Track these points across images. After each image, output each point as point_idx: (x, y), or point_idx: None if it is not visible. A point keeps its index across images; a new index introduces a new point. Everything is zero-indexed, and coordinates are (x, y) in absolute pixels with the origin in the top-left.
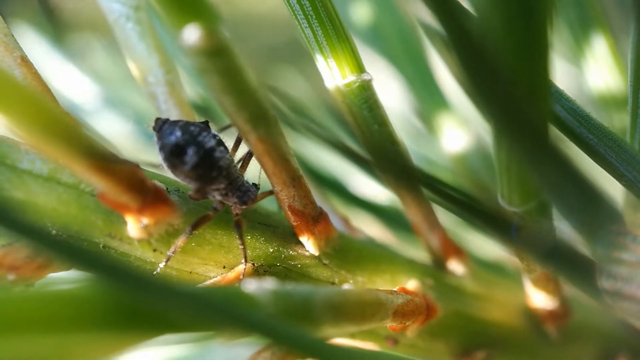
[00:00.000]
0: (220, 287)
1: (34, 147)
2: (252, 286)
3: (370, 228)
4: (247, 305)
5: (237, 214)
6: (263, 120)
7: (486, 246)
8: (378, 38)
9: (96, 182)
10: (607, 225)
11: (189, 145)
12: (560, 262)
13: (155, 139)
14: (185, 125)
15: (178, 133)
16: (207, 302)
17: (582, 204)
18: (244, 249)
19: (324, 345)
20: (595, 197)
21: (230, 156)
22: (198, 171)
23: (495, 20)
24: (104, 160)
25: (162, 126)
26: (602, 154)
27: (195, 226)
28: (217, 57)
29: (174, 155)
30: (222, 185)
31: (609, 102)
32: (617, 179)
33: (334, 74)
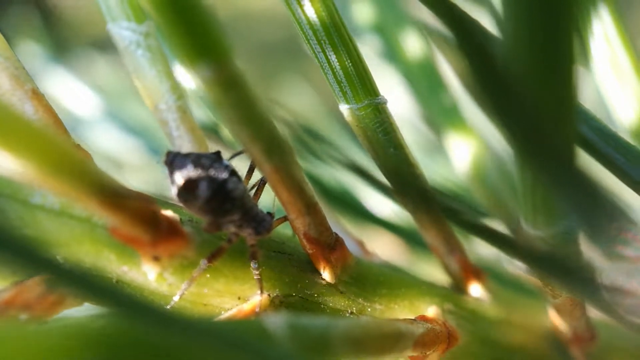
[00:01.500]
0: (236, 321)
1: (44, 183)
2: (267, 319)
3: (386, 245)
4: (264, 340)
5: (252, 245)
6: (278, 150)
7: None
8: (390, 55)
9: (108, 217)
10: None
11: (201, 179)
12: (586, 288)
13: (166, 172)
14: (196, 159)
15: (189, 167)
16: (223, 336)
17: (611, 227)
18: (260, 279)
19: None
20: (624, 220)
21: (244, 186)
22: (211, 205)
23: (518, 40)
24: (115, 194)
25: (173, 160)
26: (629, 173)
27: (210, 259)
28: (230, 89)
29: (186, 190)
30: (237, 217)
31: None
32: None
33: (348, 98)
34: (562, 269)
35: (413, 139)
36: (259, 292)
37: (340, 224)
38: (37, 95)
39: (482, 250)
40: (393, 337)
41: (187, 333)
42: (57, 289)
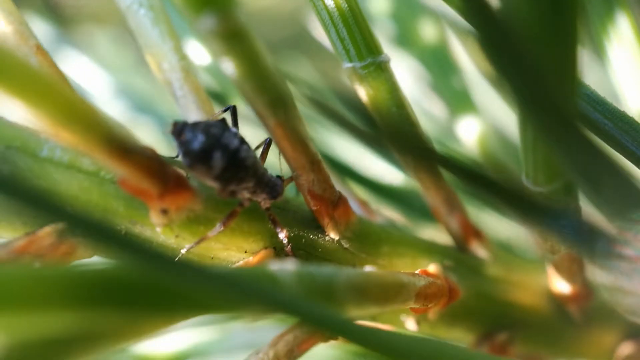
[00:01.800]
0: (244, 268)
1: (53, 135)
2: (275, 267)
3: (386, 214)
4: (271, 285)
5: (267, 209)
6: (282, 104)
7: (505, 229)
8: (394, 23)
9: (117, 169)
10: (634, 207)
11: (215, 149)
12: (585, 241)
13: (175, 144)
14: (206, 128)
15: (201, 138)
16: (232, 281)
17: (609, 184)
18: (286, 237)
19: (350, 325)
20: (621, 177)
21: (254, 153)
22: (226, 174)
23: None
24: (124, 146)
25: (181, 130)
26: (626, 145)
27: (225, 222)
28: (235, 40)
29: (200, 161)
30: (251, 184)
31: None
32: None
33: (350, 55)
34: (561, 221)
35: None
36: (288, 247)
37: (345, 185)
38: (42, 51)
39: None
40: (396, 287)
41: (198, 279)
42: (68, 239)
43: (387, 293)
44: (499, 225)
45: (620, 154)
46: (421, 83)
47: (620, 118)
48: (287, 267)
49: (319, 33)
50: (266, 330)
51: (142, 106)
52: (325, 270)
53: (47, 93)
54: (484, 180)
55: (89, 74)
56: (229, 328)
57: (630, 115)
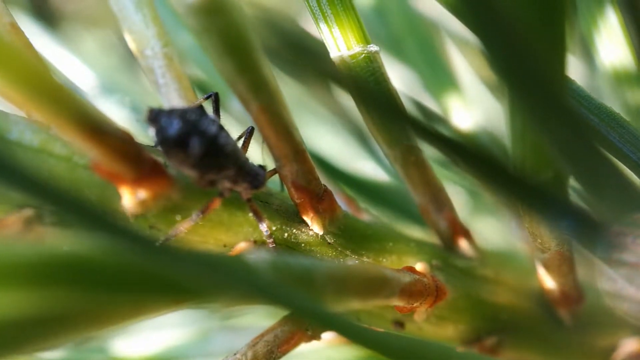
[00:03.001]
0: (219, 255)
1: (26, 111)
2: (251, 256)
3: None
4: (246, 274)
5: (249, 199)
6: (265, 87)
7: (494, 234)
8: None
9: (90, 150)
10: (624, 197)
11: (191, 135)
12: (576, 231)
13: (151, 131)
14: (183, 114)
15: (177, 124)
16: (208, 266)
17: (599, 174)
18: (268, 229)
19: (333, 316)
20: (610, 166)
21: (234, 140)
22: (204, 161)
23: None
24: (97, 127)
25: (157, 117)
26: (604, 135)
27: (204, 212)
28: (217, 14)
29: (176, 148)
30: (231, 172)
31: (623, 79)
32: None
33: (339, 44)
34: (550, 206)
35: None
36: (270, 241)
37: (330, 181)
38: (16, 30)
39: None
40: (378, 281)
41: (176, 262)
42: (36, 227)
43: (369, 287)
44: (488, 228)
45: (607, 150)
46: (412, 83)
47: (607, 114)
48: (263, 255)
49: (315, 31)
50: (246, 332)
51: (129, 105)
52: (304, 260)
53: (19, 69)
54: (477, 160)
55: (77, 73)
56: (208, 330)
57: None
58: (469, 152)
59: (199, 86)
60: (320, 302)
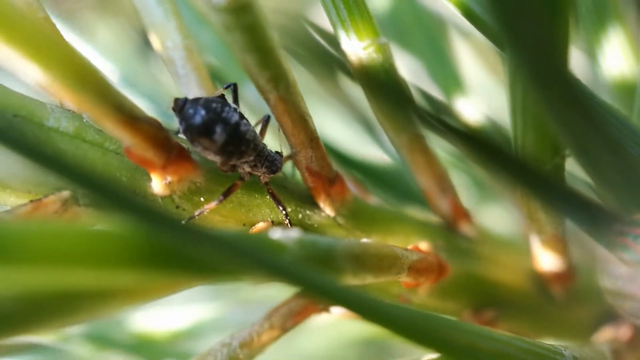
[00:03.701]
0: (246, 234)
1: (64, 99)
2: (278, 234)
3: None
4: (274, 251)
5: (266, 183)
6: (284, 79)
7: (497, 222)
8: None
9: (123, 137)
10: (626, 176)
11: (216, 123)
12: (573, 211)
13: (177, 120)
14: (207, 103)
15: (203, 112)
16: (235, 245)
17: (601, 152)
18: (285, 209)
19: (349, 292)
20: (613, 144)
21: (253, 127)
22: (228, 148)
23: None
24: (131, 114)
25: (183, 106)
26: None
27: (226, 194)
28: (242, 13)
29: (202, 135)
30: (251, 158)
31: (625, 89)
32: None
33: (350, 36)
34: (549, 187)
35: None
36: (287, 222)
37: (342, 167)
38: (50, 24)
39: None
40: (390, 259)
41: (202, 241)
42: (72, 207)
43: (382, 263)
44: (491, 217)
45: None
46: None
47: (609, 112)
48: (290, 234)
49: (326, 22)
50: (262, 308)
51: (143, 95)
52: (325, 239)
53: (61, 58)
54: (479, 143)
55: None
56: (226, 306)
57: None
58: (470, 137)
59: (215, 77)
60: (340, 277)
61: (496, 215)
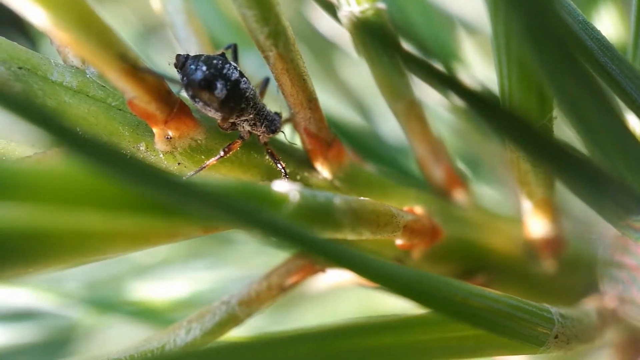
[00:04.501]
0: (250, 185)
1: (62, 57)
2: (280, 186)
3: None
4: (277, 202)
5: (265, 143)
6: (283, 36)
7: (487, 193)
8: None
9: (126, 87)
10: (614, 129)
11: (217, 79)
12: (561, 164)
13: (179, 76)
14: (208, 59)
15: (204, 68)
16: (232, 201)
17: (586, 100)
18: (284, 168)
19: (344, 250)
20: (599, 93)
21: (253, 86)
22: (229, 104)
23: None
24: (135, 65)
25: (184, 62)
26: (632, 95)
27: (226, 151)
28: None
29: (203, 90)
30: (251, 116)
31: None
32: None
33: (349, 2)
34: (538, 140)
35: None
36: (284, 179)
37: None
38: None
39: None
40: (387, 216)
41: (201, 195)
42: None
43: (379, 220)
44: (479, 190)
45: (628, 105)
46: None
47: (627, 67)
48: (291, 186)
49: (322, 26)
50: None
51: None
52: (325, 193)
53: (67, 4)
54: (471, 96)
55: None
56: (227, 276)
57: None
58: (463, 89)
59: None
60: (338, 231)
61: (489, 193)
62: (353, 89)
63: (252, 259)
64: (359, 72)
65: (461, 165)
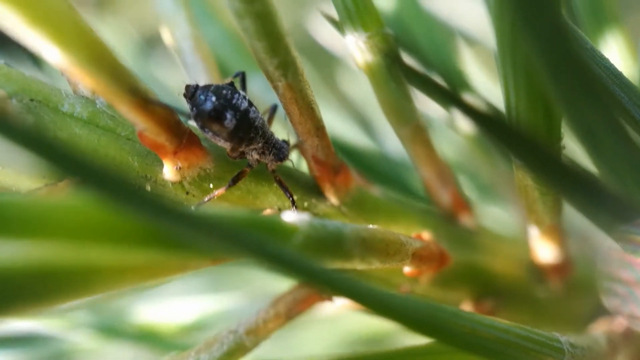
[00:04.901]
0: (259, 216)
1: (83, 81)
2: (290, 217)
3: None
4: (287, 233)
5: (273, 170)
6: (292, 66)
7: (494, 218)
8: None
9: (137, 120)
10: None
11: (226, 109)
12: (567, 184)
13: (188, 106)
14: (217, 90)
15: (213, 98)
16: (238, 233)
17: (595, 119)
18: (292, 196)
19: (351, 283)
20: (607, 113)
21: (262, 115)
22: (238, 134)
23: None
24: (145, 98)
25: (194, 93)
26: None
27: (235, 180)
28: (253, 1)
29: (213, 120)
30: (260, 144)
31: None
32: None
33: (356, 27)
34: (546, 161)
35: None
36: (293, 208)
37: (346, 158)
38: (69, 7)
39: None
40: (396, 245)
41: (205, 229)
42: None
43: (388, 249)
44: (486, 212)
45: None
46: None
47: (637, 95)
48: (301, 216)
49: (322, 37)
50: (267, 302)
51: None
52: (334, 222)
53: (79, 40)
54: (480, 117)
55: None
56: (231, 299)
57: None
58: (473, 111)
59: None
60: (348, 261)
61: (496, 215)
62: (354, 101)
63: (256, 281)
64: (359, 84)
65: (468, 185)
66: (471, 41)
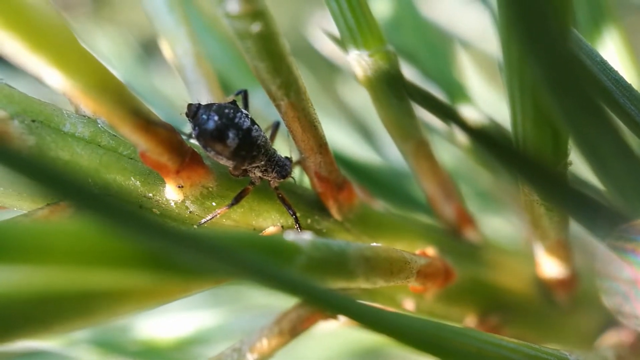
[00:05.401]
0: (263, 236)
1: (86, 104)
2: (292, 236)
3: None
4: (290, 254)
5: (276, 188)
6: (294, 86)
7: (498, 230)
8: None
9: (139, 141)
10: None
11: (228, 128)
12: (577, 208)
13: (190, 125)
14: (219, 109)
15: (216, 117)
16: (238, 255)
17: (602, 139)
18: (295, 213)
19: (353, 304)
20: (614, 133)
21: (264, 133)
22: (241, 152)
23: None
24: (147, 120)
25: (196, 112)
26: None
27: (238, 198)
28: (255, 22)
29: (215, 140)
30: (262, 162)
31: None
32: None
33: (358, 44)
34: (552, 182)
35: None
36: (297, 226)
37: (349, 173)
38: (70, 32)
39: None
40: (400, 263)
41: (205, 252)
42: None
43: (392, 267)
44: (490, 224)
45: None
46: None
47: (611, 73)
48: (303, 236)
49: (321, 45)
50: (265, 315)
51: (151, 102)
52: (338, 242)
53: (81, 65)
54: (482, 133)
55: None
56: (230, 313)
57: None
58: (476, 131)
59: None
60: (352, 280)
61: (499, 226)
62: (355, 110)
63: (256, 295)
64: (360, 92)
65: (471, 197)
66: (468, 45)
